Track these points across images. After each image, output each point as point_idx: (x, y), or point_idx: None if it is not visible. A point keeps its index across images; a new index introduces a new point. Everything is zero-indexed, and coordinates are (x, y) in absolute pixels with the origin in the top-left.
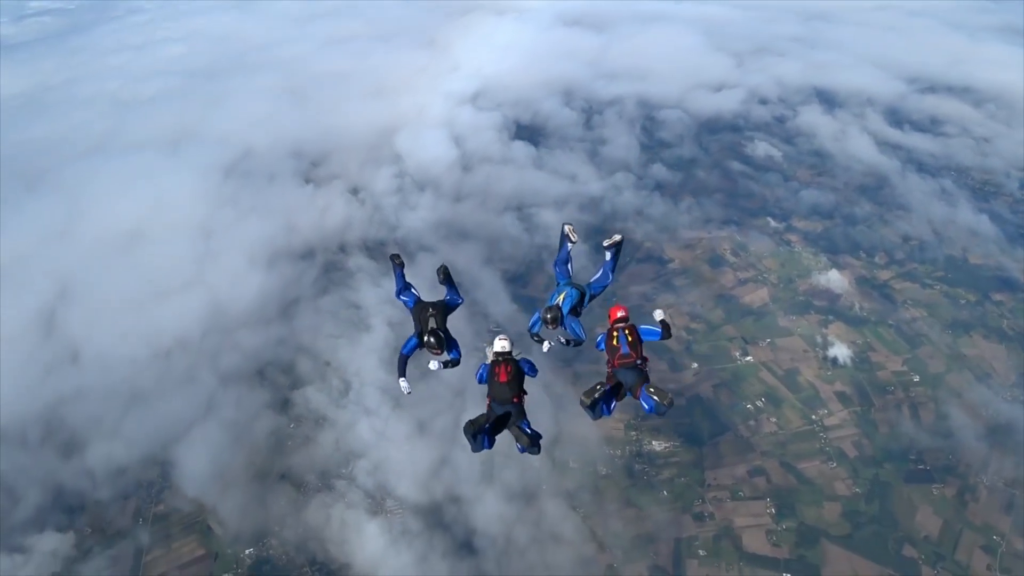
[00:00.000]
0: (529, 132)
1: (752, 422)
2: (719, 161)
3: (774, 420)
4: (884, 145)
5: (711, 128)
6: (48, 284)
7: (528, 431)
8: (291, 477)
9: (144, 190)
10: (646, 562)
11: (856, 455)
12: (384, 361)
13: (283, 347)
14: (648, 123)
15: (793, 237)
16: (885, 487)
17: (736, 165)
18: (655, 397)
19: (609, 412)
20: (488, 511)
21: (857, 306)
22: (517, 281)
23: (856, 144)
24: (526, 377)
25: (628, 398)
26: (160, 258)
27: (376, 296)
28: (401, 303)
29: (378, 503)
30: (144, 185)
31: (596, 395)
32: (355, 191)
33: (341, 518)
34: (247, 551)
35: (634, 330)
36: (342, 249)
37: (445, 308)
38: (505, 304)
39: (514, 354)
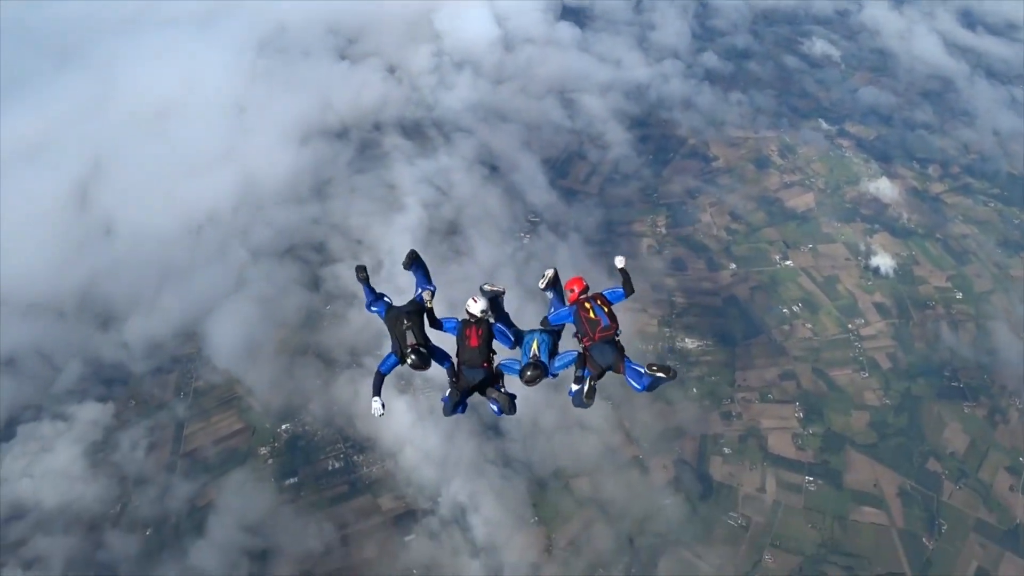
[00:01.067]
0: (575, 13)
1: (787, 326)
2: (774, 54)
3: (809, 326)
4: (953, 47)
5: (768, 19)
6: (81, 159)
7: (503, 391)
8: (320, 353)
9: (177, 65)
10: (671, 456)
11: (889, 367)
12: (418, 241)
13: (315, 225)
14: (701, 9)
15: (845, 142)
16: (916, 401)
17: (791, 60)
18: (659, 374)
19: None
20: (516, 392)
21: (905, 217)
22: (557, 169)
23: (923, 44)
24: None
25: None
26: (193, 134)
27: (411, 175)
28: (374, 314)
29: (406, 381)
30: (177, 60)
31: (587, 389)
32: (392, 69)
33: (368, 393)
34: (283, 427)
35: (604, 299)
36: (377, 128)
37: (421, 312)
38: (543, 191)
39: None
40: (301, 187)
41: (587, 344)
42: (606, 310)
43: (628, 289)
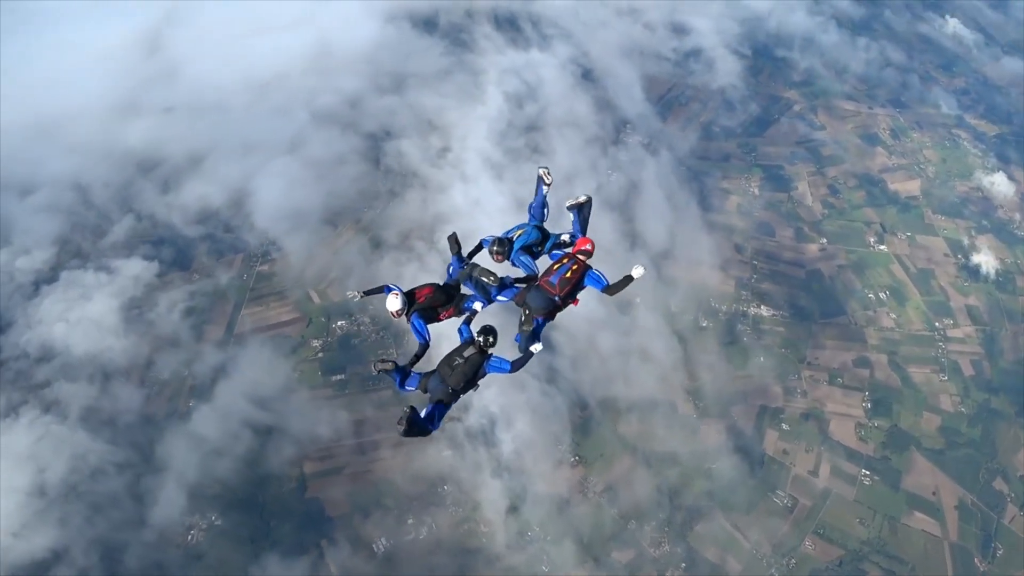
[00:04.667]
0: None
1: (870, 312)
2: (912, 6)
3: (894, 316)
4: None
5: None
6: (156, 4)
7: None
8: (367, 228)
9: None
10: (725, 421)
11: (972, 375)
12: (494, 133)
13: (384, 97)
14: None
15: (963, 133)
16: (994, 415)
17: (925, 27)
18: (522, 332)
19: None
20: (575, 307)
21: (1017, 221)
22: (655, 84)
23: None
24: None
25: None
26: None
27: (497, 65)
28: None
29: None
30: None
31: (525, 326)
32: None
33: (414, 279)
34: (339, 323)
35: (582, 271)
36: (469, 16)
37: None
38: (638, 104)
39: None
40: (376, 61)
41: (536, 282)
42: (568, 275)
43: (610, 291)
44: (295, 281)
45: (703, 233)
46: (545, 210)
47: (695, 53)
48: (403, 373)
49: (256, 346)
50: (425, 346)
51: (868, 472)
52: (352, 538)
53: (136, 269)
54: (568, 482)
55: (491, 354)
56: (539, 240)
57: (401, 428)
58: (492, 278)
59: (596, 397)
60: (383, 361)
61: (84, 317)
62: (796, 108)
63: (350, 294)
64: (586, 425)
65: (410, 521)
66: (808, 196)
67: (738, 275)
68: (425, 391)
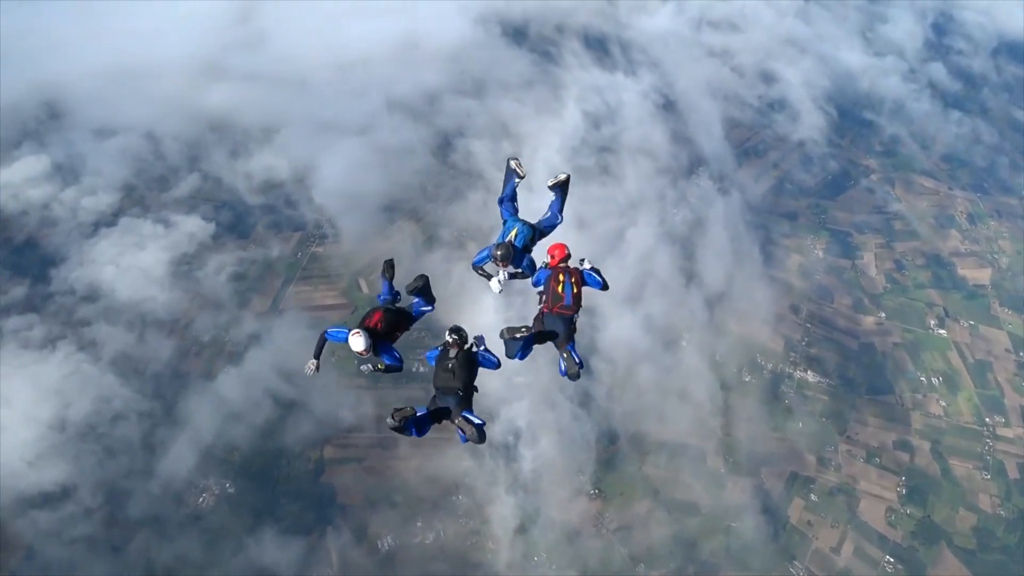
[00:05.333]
0: None
1: (919, 395)
2: (1010, 87)
3: (943, 404)
4: None
5: (1013, 50)
6: None
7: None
8: (423, 221)
9: None
10: (753, 480)
11: (1017, 478)
12: (566, 148)
13: (461, 97)
14: (941, 18)
15: None
16: None
17: (1021, 114)
18: (564, 364)
19: (523, 357)
20: (620, 334)
21: None
22: (737, 126)
23: None
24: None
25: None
26: None
27: (580, 82)
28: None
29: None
30: None
31: (518, 335)
32: None
33: (461, 279)
34: None
35: (580, 278)
36: (559, 30)
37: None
38: (716, 142)
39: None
40: (461, 60)
41: (544, 310)
42: (575, 290)
43: (604, 286)
44: (346, 267)
45: (760, 285)
46: (515, 203)
47: (780, 103)
48: (417, 422)
49: (296, 323)
50: (400, 366)
51: (892, 559)
52: (358, 530)
53: (193, 227)
54: (583, 513)
55: (475, 349)
56: (531, 235)
57: (393, 423)
58: (524, 329)
59: (627, 431)
60: (399, 411)
61: (134, 264)
62: (874, 177)
63: (307, 369)
64: (612, 460)
65: (419, 524)
66: (873, 267)
67: (789, 335)
68: (439, 419)
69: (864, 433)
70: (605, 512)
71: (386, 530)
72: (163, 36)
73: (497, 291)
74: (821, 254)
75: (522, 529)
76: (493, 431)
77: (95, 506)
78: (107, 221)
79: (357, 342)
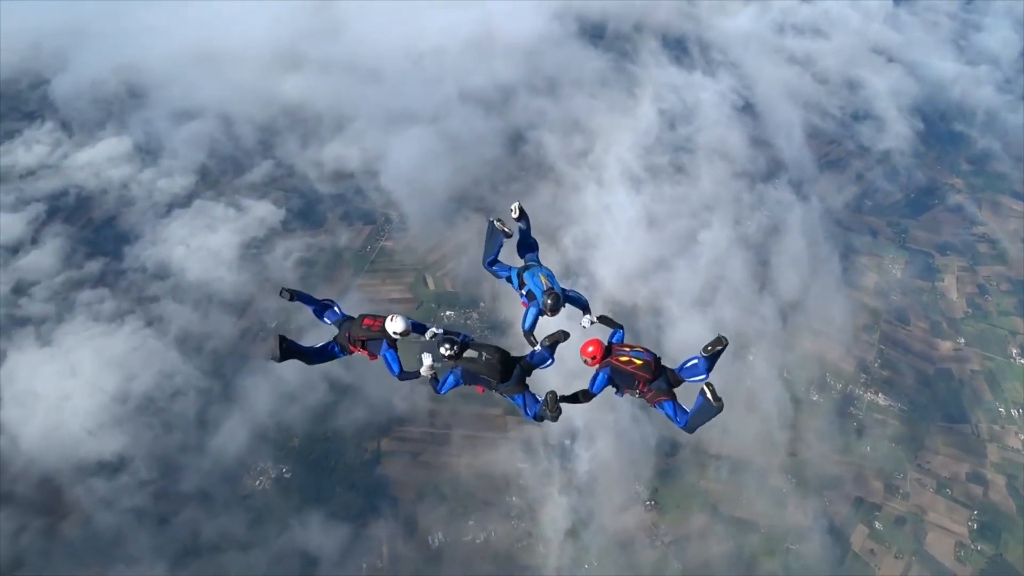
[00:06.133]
0: None
1: (997, 427)
2: None
3: (1022, 437)
4: None
5: None
6: None
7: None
8: (489, 211)
9: None
10: (815, 502)
11: None
12: (640, 146)
13: (536, 91)
14: None
15: None
16: None
17: None
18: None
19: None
20: (686, 337)
21: None
22: (819, 134)
23: None
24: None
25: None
26: None
27: (657, 80)
28: None
29: (570, 274)
30: None
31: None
32: None
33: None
34: (447, 313)
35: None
36: (637, 29)
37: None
38: (796, 147)
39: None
40: (536, 54)
41: (645, 390)
42: (639, 348)
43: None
44: (414, 262)
45: (836, 298)
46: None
47: (864, 113)
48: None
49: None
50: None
51: None
52: (409, 523)
53: (264, 212)
54: (638, 523)
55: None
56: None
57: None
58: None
59: (688, 440)
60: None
61: (204, 246)
62: (960, 197)
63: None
64: (670, 470)
65: (471, 522)
66: (954, 290)
67: (861, 355)
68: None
69: (936, 462)
70: (660, 523)
71: (437, 526)
72: (241, 22)
73: (428, 374)
74: (900, 274)
75: (573, 532)
76: (549, 429)
77: (149, 479)
78: (181, 203)
79: (398, 323)
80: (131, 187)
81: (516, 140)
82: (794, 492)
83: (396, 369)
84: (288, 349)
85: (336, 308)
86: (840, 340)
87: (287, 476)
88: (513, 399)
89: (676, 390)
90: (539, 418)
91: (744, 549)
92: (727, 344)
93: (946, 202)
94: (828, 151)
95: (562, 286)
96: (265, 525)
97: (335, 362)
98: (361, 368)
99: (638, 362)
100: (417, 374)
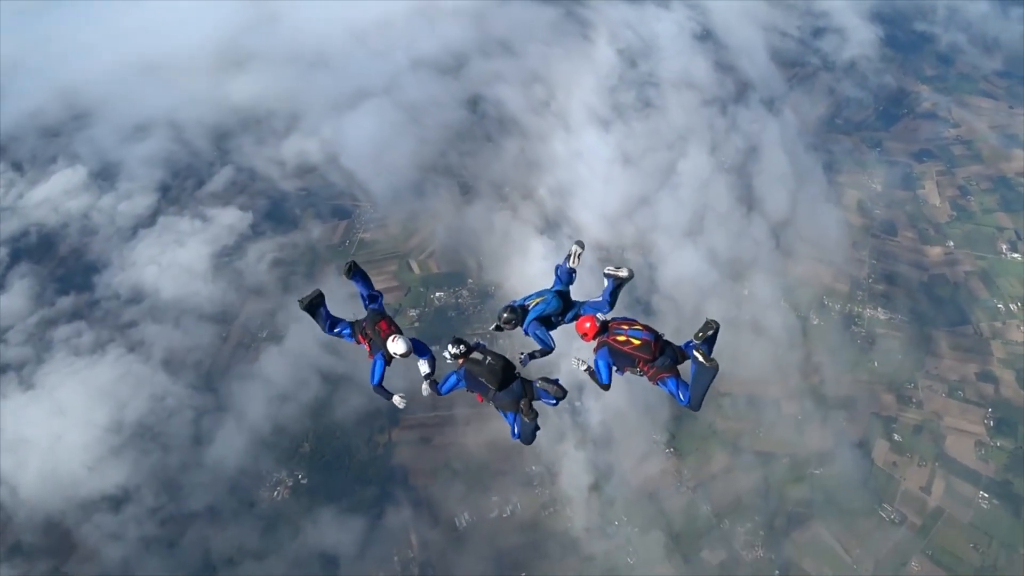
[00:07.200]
0: None
1: (999, 323)
2: None
3: None
4: None
5: None
6: None
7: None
8: (457, 175)
9: None
10: (833, 426)
11: None
12: (603, 87)
13: (484, 42)
14: None
15: None
16: None
17: None
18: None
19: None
20: (681, 271)
21: None
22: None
23: None
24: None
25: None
26: None
27: (610, 18)
28: None
29: (550, 224)
30: None
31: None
32: None
33: (505, 229)
34: (437, 294)
35: (622, 321)
36: None
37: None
38: (761, 66)
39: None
40: (485, 16)
41: (646, 369)
42: (638, 327)
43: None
44: (396, 250)
45: (822, 216)
46: (573, 274)
47: (824, 27)
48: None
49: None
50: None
51: (987, 495)
52: (433, 510)
53: (231, 219)
54: (660, 471)
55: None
56: (558, 310)
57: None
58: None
59: None
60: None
61: (175, 262)
62: (928, 103)
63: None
64: (685, 414)
65: (494, 498)
66: (935, 196)
67: (854, 273)
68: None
69: (943, 367)
70: (682, 468)
71: (461, 507)
72: (178, 27)
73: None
74: (880, 187)
75: (597, 487)
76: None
77: (157, 505)
78: (145, 223)
79: (399, 345)
80: (92, 216)
81: (475, 100)
82: (810, 417)
83: (375, 380)
84: (314, 304)
85: (380, 302)
86: (831, 262)
87: (303, 482)
88: (505, 415)
89: (681, 367)
90: (524, 441)
91: (770, 481)
92: (718, 326)
93: (916, 110)
94: (795, 72)
95: (540, 331)
96: (287, 530)
97: (322, 351)
98: (351, 354)
99: (636, 342)
100: (390, 396)
